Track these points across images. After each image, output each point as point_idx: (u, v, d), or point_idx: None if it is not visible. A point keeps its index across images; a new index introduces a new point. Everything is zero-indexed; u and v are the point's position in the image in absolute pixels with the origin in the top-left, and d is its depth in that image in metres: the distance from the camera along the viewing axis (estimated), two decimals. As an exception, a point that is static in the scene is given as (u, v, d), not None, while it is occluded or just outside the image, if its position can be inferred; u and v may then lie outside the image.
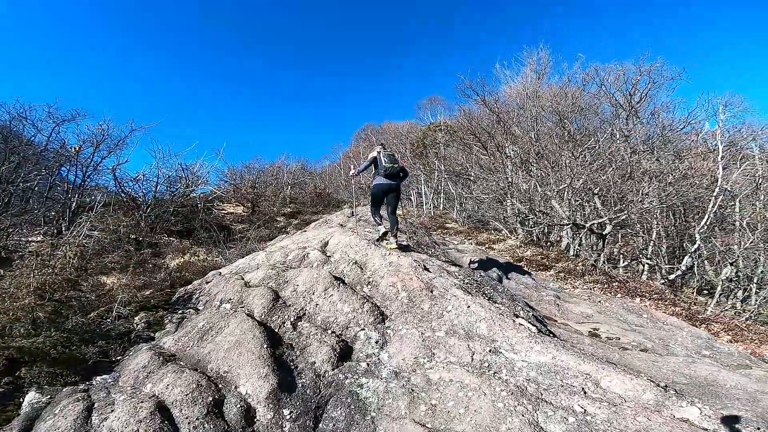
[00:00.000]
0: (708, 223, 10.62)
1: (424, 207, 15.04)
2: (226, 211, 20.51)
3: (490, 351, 3.31)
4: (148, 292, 6.40)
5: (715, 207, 10.46)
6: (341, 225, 7.99)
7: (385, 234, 5.87)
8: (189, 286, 5.66)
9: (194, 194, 16.84)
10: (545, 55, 17.91)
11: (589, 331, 5.02)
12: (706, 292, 11.72)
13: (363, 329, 3.66)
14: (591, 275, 8.91)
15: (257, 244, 10.61)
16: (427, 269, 4.67)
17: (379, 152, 5.92)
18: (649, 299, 8.21)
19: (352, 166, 6.58)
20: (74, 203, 12.91)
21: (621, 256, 12.72)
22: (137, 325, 4.47)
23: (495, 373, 3.09)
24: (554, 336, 3.95)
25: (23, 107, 13.21)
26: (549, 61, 17.89)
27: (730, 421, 2.49)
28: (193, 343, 3.49)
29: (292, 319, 3.75)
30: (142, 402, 2.57)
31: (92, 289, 5.64)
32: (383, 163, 5.73)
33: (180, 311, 4.72)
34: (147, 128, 16.16)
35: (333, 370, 3.22)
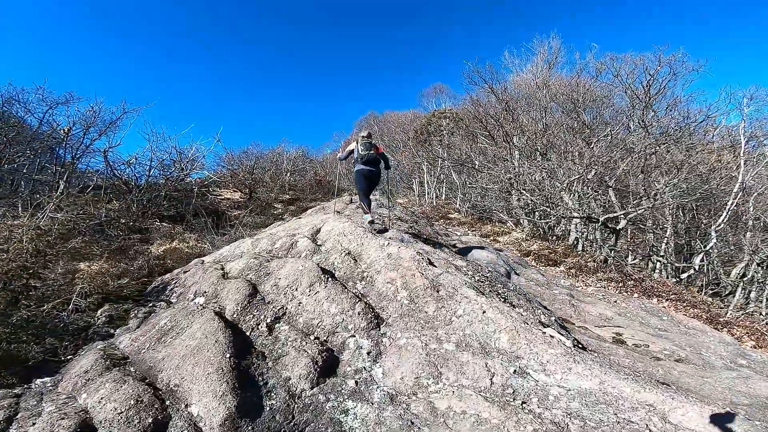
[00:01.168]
0: (725, 221, 10.05)
1: (427, 196, 14.44)
2: (222, 197, 19.96)
3: (514, 372, 2.64)
4: (125, 281, 5.89)
5: (734, 204, 9.87)
6: (338, 212, 7.41)
7: (371, 223, 5.90)
8: (167, 276, 5.13)
9: (189, 179, 16.28)
10: (557, 44, 16.99)
11: (613, 338, 4.48)
12: (711, 290, 11.24)
13: (353, 336, 3.03)
14: (604, 272, 8.37)
15: (249, 231, 10.05)
16: (432, 263, 4.01)
17: (356, 141, 6.18)
18: (667, 299, 7.70)
19: (341, 150, 6.64)
20: (62, 186, 12.37)
21: (630, 251, 12.18)
22: (98, 319, 3.94)
23: (523, 403, 2.43)
24: (590, 351, 3.37)
25: (15, 90, 12.70)
26: (560, 50, 16.99)
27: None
28: (150, 345, 2.96)
29: (268, 320, 3.17)
30: (63, 419, 2.05)
31: (62, 277, 5.10)
32: (359, 151, 6.00)
33: (151, 304, 4.19)
34: (140, 110, 15.57)
35: (312, 389, 2.60)
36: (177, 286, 4.39)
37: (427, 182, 14.67)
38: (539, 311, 3.54)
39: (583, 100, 10.85)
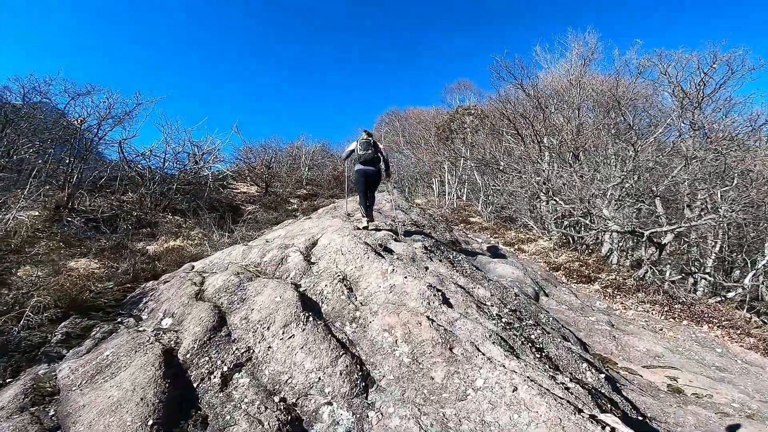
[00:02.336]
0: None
1: (447, 197, 13.60)
2: (238, 191, 19.67)
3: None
4: (110, 284, 5.41)
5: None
6: (348, 215, 6.71)
7: (366, 228, 5.82)
8: (149, 284, 4.60)
9: (204, 172, 15.98)
10: (593, 39, 15.63)
11: (668, 385, 3.66)
12: (750, 307, 10.08)
13: (330, 403, 2.24)
14: (645, 292, 7.40)
15: (254, 232, 9.52)
16: (446, 301, 3.10)
17: (357, 141, 6.20)
18: (718, 326, 6.72)
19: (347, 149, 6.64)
20: (75, 177, 12.18)
21: (668, 265, 11.07)
22: (54, 335, 3.41)
23: None
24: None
25: (37, 81, 12.64)
26: (597, 45, 15.61)
27: None
28: (83, 382, 2.40)
29: (225, 368, 2.48)
30: None
31: (28, 284, 4.62)
32: (358, 151, 6.05)
33: (119, 319, 3.63)
34: (154, 101, 15.33)
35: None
36: (151, 300, 3.83)
37: (448, 182, 13.83)
38: (588, 373, 2.70)
39: (627, 100, 9.76)
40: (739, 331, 6.65)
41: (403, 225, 6.61)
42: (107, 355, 2.69)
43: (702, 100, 8.65)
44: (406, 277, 3.33)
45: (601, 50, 15.84)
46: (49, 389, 2.46)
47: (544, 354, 2.76)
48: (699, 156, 7.25)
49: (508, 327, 2.93)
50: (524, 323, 3.22)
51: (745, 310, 9.35)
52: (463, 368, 2.30)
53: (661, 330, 5.96)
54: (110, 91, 13.31)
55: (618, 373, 3.89)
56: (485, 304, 3.23)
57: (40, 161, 13.60)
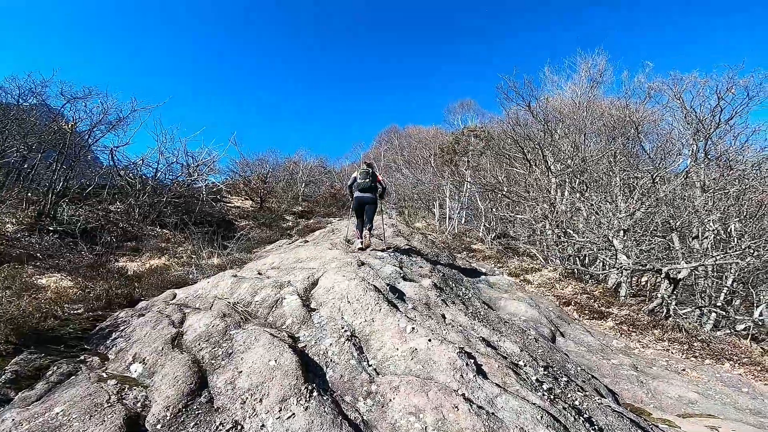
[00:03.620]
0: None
1: (448, 221, 13.17)
2: (232, 204, 19.14)
3: None
4: (79, 309, 4.85)
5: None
6: (348, 241, 6.22)
7: (361, 250, 6.50)
8: (123, 314, 4.05)
9: (197, 184, 15.47)
10: (602, 60, 15.32)
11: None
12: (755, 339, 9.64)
13: None
14: (662, 329, 6.95)
15: (244, 254, 8.98)
16: (480, 370, 2.52)
17: (357, 171, 6.83)
18: (739, 363, 6.28)
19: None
20: (60, 183, 11.65)
21: (675, 299, 10.64)
22: (2, 375, 2.88)
23: None
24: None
25: (34, 82, 12.25)
26: (607, 67, 15.26)
27: None
28: None
29: None
30: None
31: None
32: (357, 180, 6.69)
33: (82, 356, 3.09)
34: (151, 108, 14.91)
35: None
36: (122, 338, 3.28)
37: (450, 206, 13.42)
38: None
39: (639, 126, 9.44)
40: (759, 368, 6.24)
41: (408, 255, 6.18)
42: (57, 413, 2.16)
43: (718, 126, 8.31)
44: (429, 340, 2.75)
45: (611, 72, 15.54)
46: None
47: (596, 427, 2.24)
48: (714, 186, 6.90)
49: (551, 395, 2.41)
50: (561, 384, 2.72)
51: (749, 340, 8.93)
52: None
53: (684, 371, 5.52)
54: (106, 95, 12.94)
55: (657, 427, 3.40)
56: (519, 365, 2.72)
57: (26, 166, 13.09)
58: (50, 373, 2.86)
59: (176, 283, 5.54)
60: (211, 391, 2.34)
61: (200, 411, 2.15)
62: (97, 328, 3.79)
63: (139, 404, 2.20)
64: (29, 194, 10.41)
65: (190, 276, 6.13)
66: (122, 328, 3.49)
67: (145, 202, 12.75)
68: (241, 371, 2.40)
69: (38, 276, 5.89)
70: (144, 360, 2.69)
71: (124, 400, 2.21)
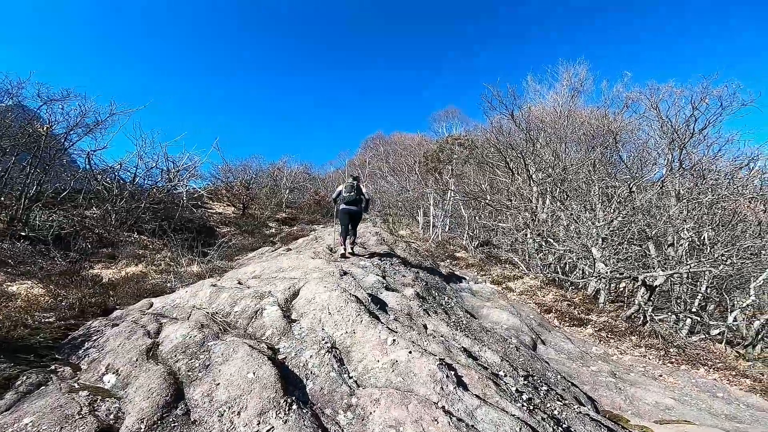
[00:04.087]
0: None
1: (431, 229, 13.23)
2: (213, 211, 18.82)
3: None
4: (51, 317, 4.68)
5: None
6: (331, 250, 6.17)
7: (343, 256, 6.84)
8: (96, 323, 3.92)
9: (178, 189, 15.17)
10: (583, 70, 15.57)
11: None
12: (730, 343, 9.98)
13: None
14: (639, 335, 7.12)
15: (227, 261, 8.82)
16: (461, 381, 2.50)
17: (344, 184, 7.25)
18: (713, 368, 6.46)
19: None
20: (34, 188, 11.27)
21: (652, 305, 10.90)
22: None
23: None
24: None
25: (10, 83, 11.84)
26: (587, 77, 15.53)
27: None
28: None
29: None
30: None
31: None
32: (342, 194, 7.08)
33: (53, 366, 2.98)
34: (130, 112, 14.62)
35: None
36: (94, 348, 3.16)
37: (434, 214, 13.49)
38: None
39: (618, 135, 9.69)
40: (734, 373, 6.42)
41: (391, 264, 6.18)
42: (26, 424, 2.07)
43: (692, 136, 8.56)
44: (410, 352, 2.73)
45: (591, 81, 15.84)
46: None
47: (574, 439, 2.27)
48: (688, 196, 7.11)
49: (530, 406, 2.42)
50: (541, 394, 2.73)
51: (723, 344, 9.20)
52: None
53: (661, 376, 5.64)
54: (85, 97, 12.61)
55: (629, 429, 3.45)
56: (500, 376, 2.73)
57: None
58: (19, 383, 2.74)
59: (153, 291, 5.40)
60: (188, 404, 2.27)
61: (176, 423, 2.08)
62: (69, 337, 3.67)
63: (111, 416, 2.12)
64: (1, 198, 10.04)
65: (168, 284, 5.98)
66: (95, 337, 3.38)
67: (122, 208, 12.42)
68: (218, 383, 2.35)
69: (9, 283, 5.68)
70: (118, 371, 2.61)
71: (96, 412, 2.13)
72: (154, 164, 14.50)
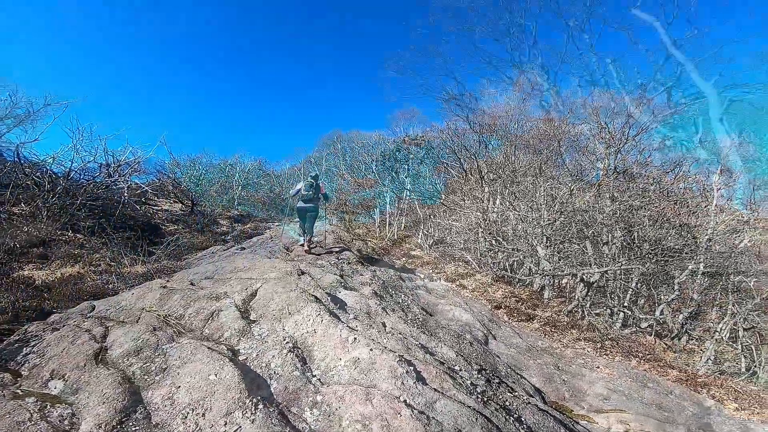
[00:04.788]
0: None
1: (388, 229, 13.41)
2: (159, 208, 17.81)
3: None
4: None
5: (701, 256, 9.66)
6: (287, 249, 6.11)
7: (302, 245, 7.32)
8: (33, 327, 3.62)
9: (119, 185, 14.19)
10: (535, 76, 16.50)
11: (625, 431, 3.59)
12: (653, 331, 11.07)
13: None
14: (578, 329, 7.68)
15: (176, 260, 8.44)
16: (420, 376, 2.61)
17: (303, 182, 7.44)
18: (644, 359, 7.11)
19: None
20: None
21: (590, 300, 11.78)
22: None
23: None
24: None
25: None
26: (538, 82, 16.46)
27: None
28: None
29: None
30: None
31: None
32: (302, 191, 7.31)
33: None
34: (65, 104, 13.54)
35: None
36: (34, 353, 2.94)
37: (390, 212, 13.67)
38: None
39: (561, 139, 10.42)
40: (662, 363, 7.10)
41: (348, 263, 6.23)
42: None
43: (627, 141, 9.38)
44: (371, 349, 2.81)
45: (543, 87, 16.79)
46: None
47: (525, 426, 2.45)
48: (620, 198, 7.80)
49: (484, 397, 2.58)
50: (493, 386, 2.92)
51: (653, 336, 10.17)
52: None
53: (598, 368, 6.11)
54: (16, 87, 11.55)
55: (578, 423, 3.76)
56: (455, 370, 2.87)
57: None
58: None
59: (94, 293, 5.06)
60: (148, 407, 2.19)
61: (138, 427, 2.01)
62: (4, 342, 3.39)
63: (66, 422, 2.01)
64: None
65: (110, 286, 5.64)
66: (34, 343, 3.13)
67: (55, 204, 11.44)
68: (179, 386, 2.28)
69: None
70: (64, 377, 2.44)
71: (48, 418, 2.01)
72: (92, 158, 13.48)
